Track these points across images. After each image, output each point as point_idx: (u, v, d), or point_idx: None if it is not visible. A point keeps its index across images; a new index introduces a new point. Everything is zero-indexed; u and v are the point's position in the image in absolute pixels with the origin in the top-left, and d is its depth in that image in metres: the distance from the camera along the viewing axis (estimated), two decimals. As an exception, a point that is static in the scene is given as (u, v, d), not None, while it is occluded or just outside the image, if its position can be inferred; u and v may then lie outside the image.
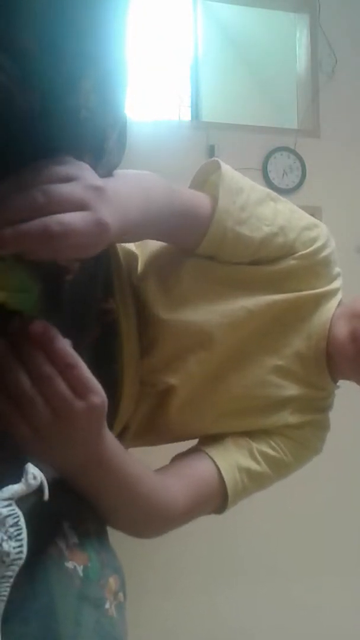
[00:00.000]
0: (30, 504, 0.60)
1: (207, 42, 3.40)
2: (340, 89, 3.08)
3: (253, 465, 0.80)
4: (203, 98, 3.37)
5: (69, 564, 0.62)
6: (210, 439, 0.82)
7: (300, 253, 0.80)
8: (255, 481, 0.80)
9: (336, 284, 0.86)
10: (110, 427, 0.81)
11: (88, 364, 0.72)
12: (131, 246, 0.85)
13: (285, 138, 3.00)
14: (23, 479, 0.56)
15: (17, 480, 0.57)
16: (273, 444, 0.81)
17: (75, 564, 0.62)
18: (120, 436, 0.86)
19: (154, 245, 0.85)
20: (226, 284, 0.80)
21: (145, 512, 0.72)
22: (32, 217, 0.48)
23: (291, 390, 0.82)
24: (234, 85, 3.39)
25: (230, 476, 0.78)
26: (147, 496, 0.72)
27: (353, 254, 3.00)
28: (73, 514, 0.67)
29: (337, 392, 0.89)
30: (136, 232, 0.66)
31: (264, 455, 0.81)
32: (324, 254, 0.82)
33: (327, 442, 0.87)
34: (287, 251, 0.80)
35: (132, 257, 0.83)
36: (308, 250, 0.81)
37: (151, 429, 0.86)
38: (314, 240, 0.82)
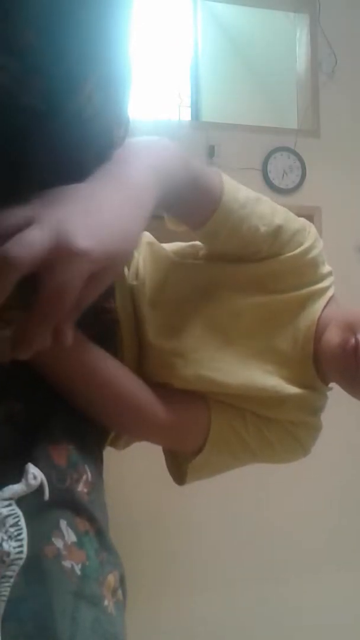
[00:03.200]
0: (28, 503, 0.61)
1: (207, 42, 3.40)
2: (340, 89, 3.09)
3: (242, 431, 0.80)
4: (203, 98, 3.37)
5: (66, 563, 0.62)
6: None
7: (287, 255, 0.80)
8: (237, 445, 0.81)
9: (324, 283, 0.85)
10: None
11: None
12: None
13: (285, 138, 3.00)
14: (23, 479, 0.56)
15: (17, 480, 0.57)
16: (270, 426, 0.82)
17: (73, 562, 0.62)
18: (119, 435, 0.87)
19: (145, 244, 0.85)
20: (212, 285, 0.81)
21: (123, 397, 0.75)
22: None
23: (287, 390, 0.82)
24: (234, 85, 3.39)
25: (217, 425, 0.78)
26: (128, 381, 0.75)
27: (353, 254, 3.00)
28: (72, 512, 0.67)
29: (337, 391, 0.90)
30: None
31: (257, 430, 0.81)
32: (311, 255, 0.82)
33: (328, 441, 0.88)
34: (277, 251, 0.80)
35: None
36: (295, 252, 0.81)
37: None
38: (301, 242, 0.82)
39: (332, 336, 0.80)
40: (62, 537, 0.63)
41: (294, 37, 3.23)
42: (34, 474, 0.56)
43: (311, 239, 0.83)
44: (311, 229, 0.85)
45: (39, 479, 0.56)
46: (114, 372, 0.74)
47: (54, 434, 0.69)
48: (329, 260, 0.88)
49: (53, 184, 0.53)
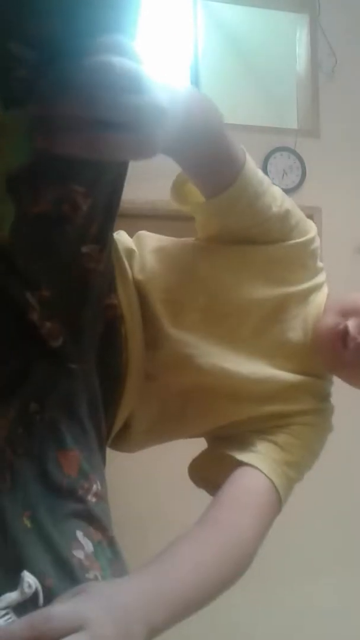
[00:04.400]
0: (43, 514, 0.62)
1: (207, 42, 3.40)
2: (340, 89, 3.08)
3: (288, 457, 0.81)
4: (203, 98, 3.37)
5: (90, 575, 0.62)
6: (236, 445, 0.83)
7: (294, 241, 0.83)
8: (295, 470, 0.82)
9: (321, 277, 0.89)
10: (112, 420, 0.82)
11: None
12: (130, 243, 0.86)
13: (285, 138, 3.00)
14: (19, 587, 0.56)
15: (12, 585, 0.57)
16: (292, 433, 0.83)
17: (96, 573, 0.63)
18: (123, 432, 0.87)
19: (152, 241, 0.87)
20: (222, 270, 0.82)
21: (238, 571, 0.72)
22: None
23: (296, 378, 0.84)
24: (234, 85, 3.38)
25: (276, 475, 0.79)
26: (233, 564, 0.71)
27: (353, 254, 3.00)
28: (86, 522, 0.67)
29: (338, 393, 0.91)
30: (181, 141, 0.63)
31: (290, 445, 0.82)
32: (313, 246, 0.85)
33: (333, 443, 0.90)
34: (284, 235, 0.82)
35: (131, 253, 0.84)
36: (302, 240, 0.83)
37: (165, 424, 0.88)
38: (307, 231, 0.85)
39: (325, 321, 0.84)
40: (82, 547, 0.64)
41: (294, 37, 3.22)
42: (29, 583, 0.57)
43: (314, 230, 0.86)
44: (312, 223, 0.87)
45: (33, 587, 0.57)
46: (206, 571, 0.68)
47: (65, 439, 0.69)
48: (329, 260, 0.90)
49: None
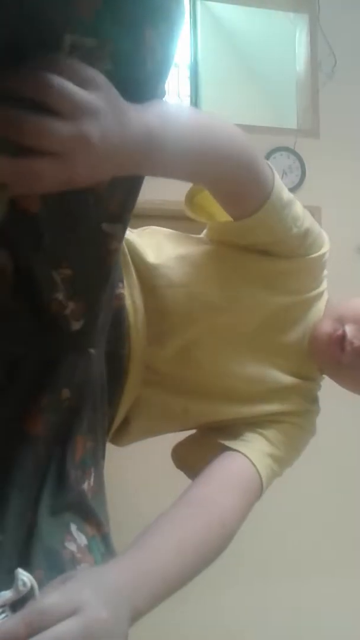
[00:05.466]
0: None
1: (207, 42, 3.40)
2: (340, 89, 3.08)
3: (274, 451, 0.84)
4: (203, 98, 3.37)
5: (81, 567, 0.63)
6: (227, 434, 0.85)
7: (310, 256, 0.84)
8: (278, 464, 0.84)
9: (324, 285, 0.91)
10: (114, 414, 0.82)
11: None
12: (133, 236, 0.85)
13: (285, 138, 3.00)
14: (14, 586, 0.56)
15: (7, 582, 0.57)
16: (281, 430, 0.85)
17: (88, 566, 0.63)
18: (123, 426, 0.87)
19: (165, 239, 0.87)
20: (236, 274, 0.83)
21: (217, 551, 0.73)
22: None
23: (293, 381, 0.87)
24: (233, 85, 3.38)
25: (262, 465, 0.81)
26: (219, 540, 0.73)
27: (353, 254, 3.00)
28: (81, 516, 0.67)
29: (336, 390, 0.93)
30: (196, 167, 0.64)
31: (278, 441, 0.85)
32: (324, 259, 0.87)
33: (322, 441, 0.92)
34: (301, 252, 0.83)
35: (132, 244, 0.84)
36: (316, 255, 0.85)
37: (165, 420, 0.89)
38: (321, 246, 0.86)
39: (324, 326, 0.86)
40: (75, 540, 0.64)
41: (293, 37, 3.23)
42: (24, 580, 0.56)
43: (327, 244, 0.87)
44: (326, 235, 0.89)
45: (28, 585, 0.56)
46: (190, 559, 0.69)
47: (82, 425, 0.71)
48: (328, 260, 0.91)
49: None
